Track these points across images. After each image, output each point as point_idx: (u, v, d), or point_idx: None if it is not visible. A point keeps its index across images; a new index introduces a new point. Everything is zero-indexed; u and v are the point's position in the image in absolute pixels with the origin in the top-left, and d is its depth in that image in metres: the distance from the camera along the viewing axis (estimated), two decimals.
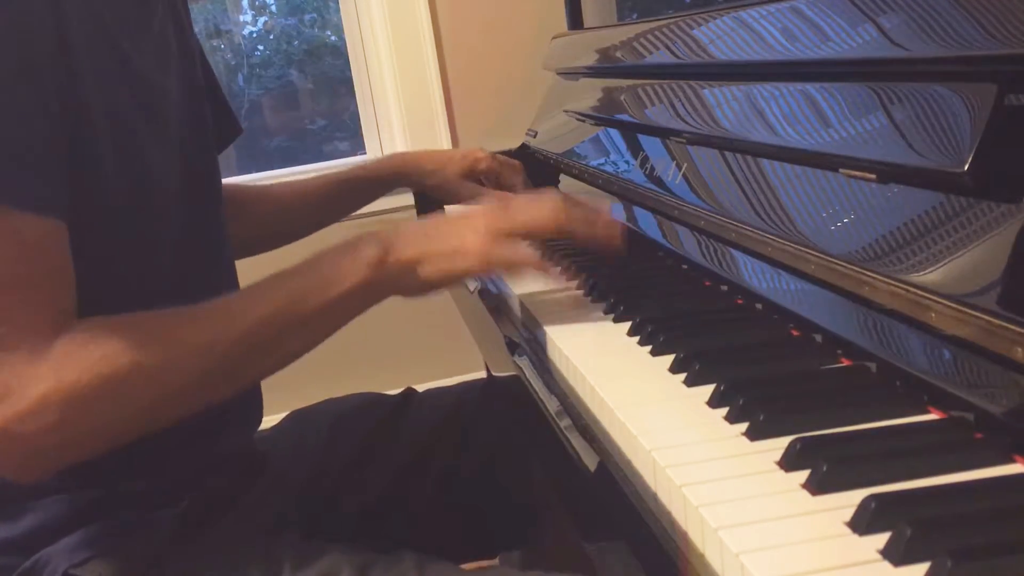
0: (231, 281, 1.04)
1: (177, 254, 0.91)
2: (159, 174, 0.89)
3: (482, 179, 1.39)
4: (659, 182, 1.10)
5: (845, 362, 0.70)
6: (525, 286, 1.00)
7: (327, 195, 1.33)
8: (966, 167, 0.61)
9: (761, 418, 0.61)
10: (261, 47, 2.81)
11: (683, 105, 1.11)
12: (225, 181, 1.07)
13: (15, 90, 0.73)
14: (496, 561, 1.30)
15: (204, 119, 1.00)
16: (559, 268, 1.02)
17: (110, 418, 0.76)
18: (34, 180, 0.74)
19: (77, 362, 0.73)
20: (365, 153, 2.65)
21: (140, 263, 0.87)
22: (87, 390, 0.73)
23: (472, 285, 1.12)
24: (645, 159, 1.17)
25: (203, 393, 0.81)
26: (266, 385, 0.95)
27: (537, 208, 0.88)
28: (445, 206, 1.42)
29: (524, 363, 0.88)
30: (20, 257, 0.74)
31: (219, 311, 0.81)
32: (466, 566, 0.93)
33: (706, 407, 0.66)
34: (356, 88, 2.62)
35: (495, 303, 1.07)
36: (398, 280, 0.84)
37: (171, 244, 0.91)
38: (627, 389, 0.71)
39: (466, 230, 0.85)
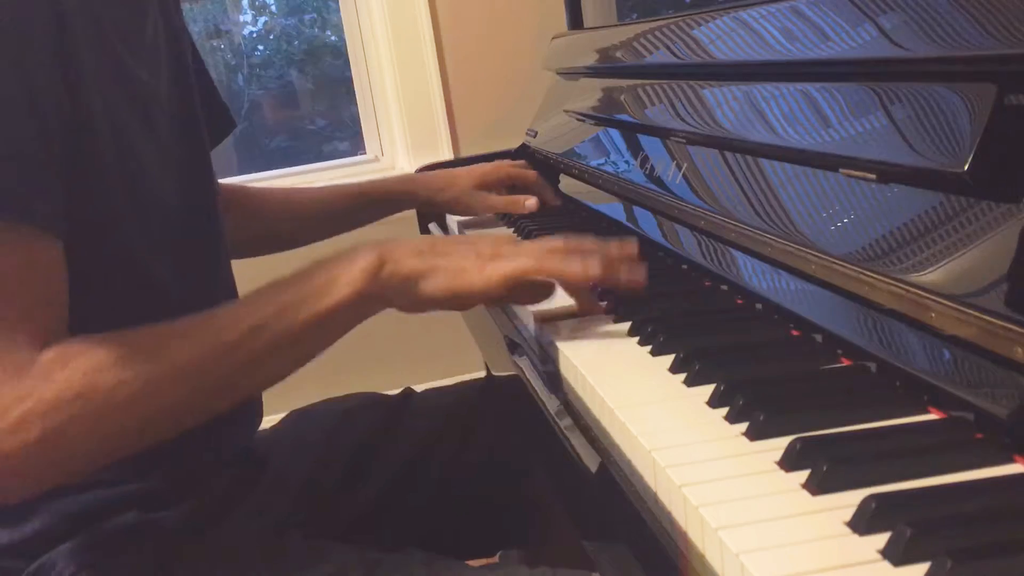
0: (228, 281, 1.04)
1: (174, 255, 0.91)
2: (154, 178, 0.89)
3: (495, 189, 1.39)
4: (659, 182, 1.10)
5: (845, 362, 0.70)
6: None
7: (344, 207, 1.34)
8: (966, 167, 0.61)
9: (761, 418, 0.61)
10: (261, 47, 2.81)
11: (683, 105, 1.11)
12: (233, 181, 1.07)
13: (15, 100, 0.72)
14: (496, 560, 1.30)
15: (195, 121, 1.00)
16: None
17: (94, 436, 0.73)
18: (35, 195, 0.73)
19: (59, 378, 0.71)
20: (365, 153, 2.64)
21: (139, 266, 0.87)
22: (68, 406, 0.71)
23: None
24: (645, 159, 1.17)
25: (193, 411, 0.78)
26: None
27: (550, 245, 0.83)
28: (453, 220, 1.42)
29: (524, 363, 0.88)
30: (12, 271, 0.72)
31: (207, 325, 0.78)
32: (469, 563, 0.93)
33: (706, 407, 0.66)
34: (356, 88, 2.62)
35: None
36: (395, 292, 0.80)
37: (168, 246, 0.91)
38: (627, 389, 0.71)
39: (471, 251, 0.81)
